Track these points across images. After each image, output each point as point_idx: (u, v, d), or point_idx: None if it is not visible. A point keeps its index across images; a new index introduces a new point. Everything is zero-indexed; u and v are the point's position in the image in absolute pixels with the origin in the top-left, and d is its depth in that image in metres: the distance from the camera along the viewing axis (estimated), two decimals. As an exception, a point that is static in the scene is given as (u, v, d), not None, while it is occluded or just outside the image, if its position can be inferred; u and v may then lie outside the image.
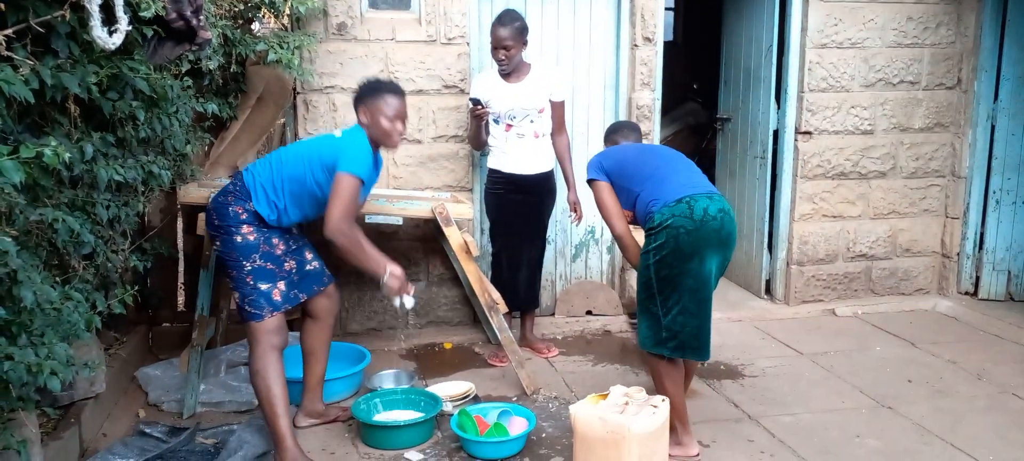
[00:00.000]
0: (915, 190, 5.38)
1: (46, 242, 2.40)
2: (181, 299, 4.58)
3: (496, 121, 4.23)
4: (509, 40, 4.05)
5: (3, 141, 1.81)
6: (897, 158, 5.31)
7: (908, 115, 5.27)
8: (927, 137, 5.33)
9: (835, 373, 4.25)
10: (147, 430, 3.40)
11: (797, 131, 5.16)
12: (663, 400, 3.04)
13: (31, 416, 2.61)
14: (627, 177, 3.31)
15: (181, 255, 4.47)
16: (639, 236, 3.38)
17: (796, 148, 5.18)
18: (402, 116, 3.22)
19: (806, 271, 5.30)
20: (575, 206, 4.39)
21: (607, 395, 3.06)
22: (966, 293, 5.51)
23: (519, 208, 4.30)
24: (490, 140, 4.27)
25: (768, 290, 5.47)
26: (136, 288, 2.99)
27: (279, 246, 3.24)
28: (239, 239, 3.13)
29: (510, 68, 4.13)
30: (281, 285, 3.20)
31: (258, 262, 3.15)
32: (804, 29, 5.04)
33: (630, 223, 3.40)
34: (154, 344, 4.34)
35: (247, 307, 3.17)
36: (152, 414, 3.65)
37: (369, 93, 3.20)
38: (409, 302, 3.18)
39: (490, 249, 4.48)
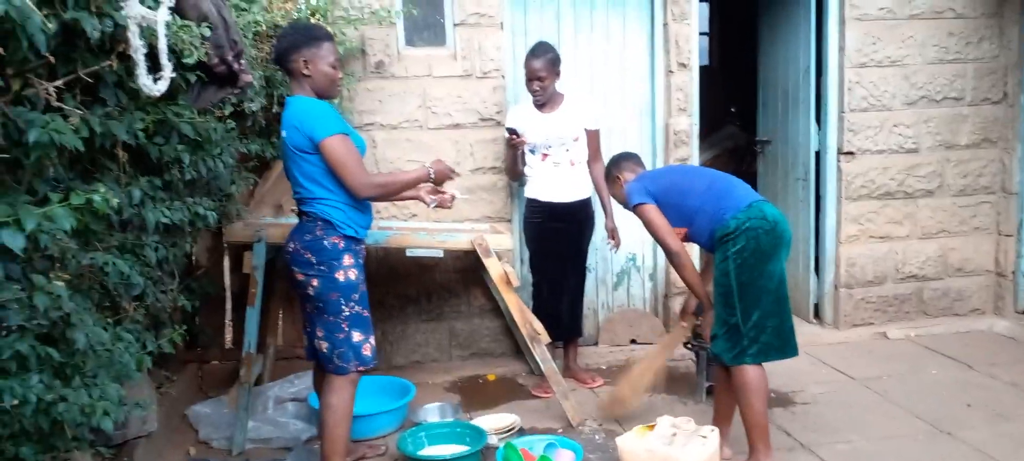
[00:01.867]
0: (964, 208, 5.25)
1: (98, 285, 2.46)
2: (229, 336, 4.65)
3: (532, 151, 4.25)
4: (543, 71, 4.08)
5: (55, 189, 1.87)
6: (944, 176, 5.19)
7: (953, 132, 5.16)
8: (974, 153, 5.21)
9: (889, 398, 4.14)
10: (197, 468, 3.44)
11: (839, 152, 5.09)
12: (712, 430, 2.99)
13: (85, 456, 2.66)
14: (681, 194, 3.37)
15: (228, 293, 4.54)
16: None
17: (839, 169, 5.10)
18: (339, 61, 3.07)
19: (855, 294, 5.19)
20: (613, 233, 4.37)
21: (654, 426, 3.03)
22: (1023, 312, 5.34)
23: (558, 236, 4.29)
24: (527, 170, 4.29)
25: (817, 314, 5.36)
26: (185, 327, 3.03)
27: (366, 290, 3.12)
28: (341, 277, 2.98)
29: (544, 99, 4.15)
30: (372, 340, 3.11)
31: (355, 308, 3.03)
32: (842, 49, 4.99)
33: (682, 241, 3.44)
34: (204, 382, 4.39)
35: (335, 359, 3.04)
36: (202, 451, 3.70)
37: (305, 42, 2.93)
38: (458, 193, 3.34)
39: (531, 279, 4.47)
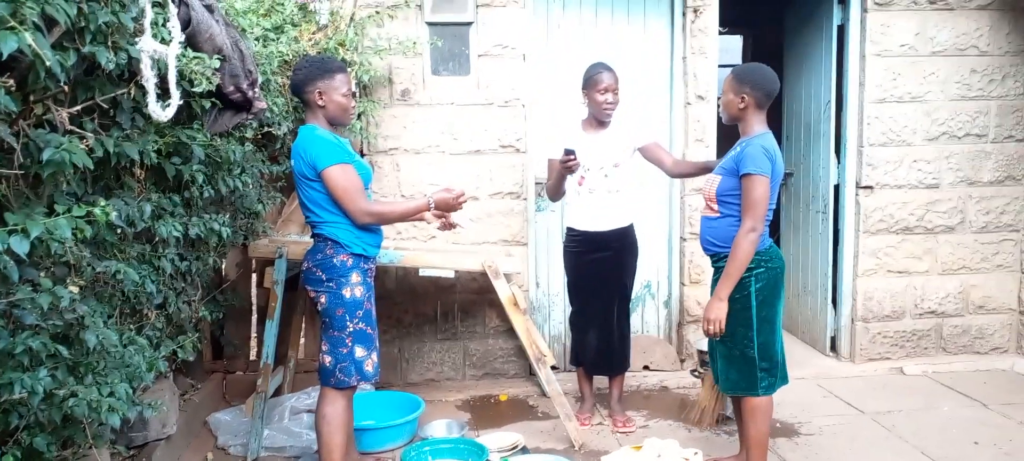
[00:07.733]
0: (987, 245, 5.21)
1: (120, 292, 2.67)
2: (254, 348, 4.86)
3: (571, 171, 4.01)
4: (614, 83, 4.05)
5: (73, 203, 2.06)
6: (966, 212, 5.17)
7: (976, 168, 5.14)
8: (998, 190, 5.17)
9: (896, 433, 4.13)
10: (211, 471, 3.63)
11: (858, 185, 5.11)
12: (695, 453, 3.07)
13: (102, 453, 2.85)
14: (772, 190, 3.21)
15: (254, 307, 4.76)
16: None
17: (857, 203, 5.11)
18: (352, 91, 3.21)
19: (872, 328, 5.18)
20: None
21: (641, 448, 3.11)
22: (1047, 352, 5.27)
23: (597, 266, 4.13)
24: (565, 197, 4.19)
25: (833, 347, 5.36)
26: (202, 336, 3.22)
27: (373, 309, 3.26)
28: (348, 294, 3.12)
29: (615, 109, 4.08)
30: (374, 356, 3.24)
31: (359, 324, 3.16)
32: (862, 84, 5.03)
33: (711, 208, 3.34)
34: (228, 391, 4.61)
35: (338, 373, 3.17)
36: (219, 457, 3.89)
37: (319, 74, 3.10)
38: (466, 222, 3.45)
39: (543, 302, 4.57)
